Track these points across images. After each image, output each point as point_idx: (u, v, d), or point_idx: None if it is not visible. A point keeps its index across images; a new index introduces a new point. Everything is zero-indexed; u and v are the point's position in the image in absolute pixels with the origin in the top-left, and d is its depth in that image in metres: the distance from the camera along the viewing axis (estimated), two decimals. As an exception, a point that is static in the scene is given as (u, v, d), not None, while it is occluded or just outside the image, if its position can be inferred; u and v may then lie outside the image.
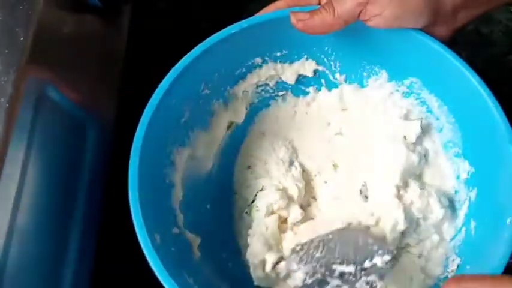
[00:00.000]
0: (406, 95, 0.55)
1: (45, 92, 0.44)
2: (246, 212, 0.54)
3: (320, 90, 0.57)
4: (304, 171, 0.55)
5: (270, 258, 0.49)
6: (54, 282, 0.47)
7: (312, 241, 0.47)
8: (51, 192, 0.46)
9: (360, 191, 0.52)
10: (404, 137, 0.53)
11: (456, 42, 0.60)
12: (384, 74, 0.55)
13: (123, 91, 0.59)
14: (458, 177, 0.53)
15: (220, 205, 0.55)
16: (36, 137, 0.43)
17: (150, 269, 0.43)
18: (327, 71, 0.56)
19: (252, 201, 0.54)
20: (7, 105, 0.39)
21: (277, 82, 0.56)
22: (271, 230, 0.51)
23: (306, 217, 0.53)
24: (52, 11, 0.45)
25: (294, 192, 0.53)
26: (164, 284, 0.42)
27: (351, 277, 0.45)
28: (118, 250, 0.54)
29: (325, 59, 0.55)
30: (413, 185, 0.51)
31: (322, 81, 0.57)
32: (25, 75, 0.41)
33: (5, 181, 0.39)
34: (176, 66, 0.48)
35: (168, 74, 0.48)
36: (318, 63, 0.55)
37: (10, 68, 0.40)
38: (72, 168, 0.50)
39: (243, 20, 0.50)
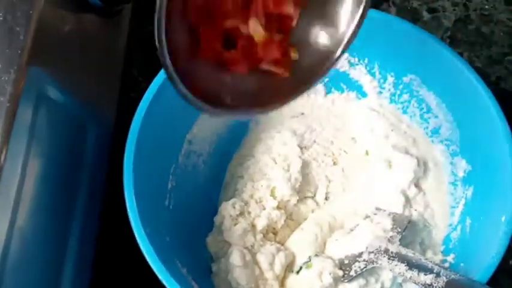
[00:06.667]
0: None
1: (45, 91, 0.44)
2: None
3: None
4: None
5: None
6: (54, 281, 0.48)
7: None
8: (51, 191, 0.47)
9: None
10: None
11: (457, 41, 0.60)
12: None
13: (124, 91, 0.60)
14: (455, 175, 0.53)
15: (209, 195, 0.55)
16: (36, 136, 0.43)
17: (149, 267, 0.43)
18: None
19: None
20: (7, 104, 0.39)
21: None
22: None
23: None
24: (53, 10, 0.45)
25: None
26: (158, 274, 0.42)
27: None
28: (118, 250, 0.54)
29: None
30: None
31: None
32: (25, 74, 0.41)
33: (5, 180, 0.39)
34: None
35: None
36: None
37: (10, 67, 0.40)
38: (72, 168, 0.50)
39: None
